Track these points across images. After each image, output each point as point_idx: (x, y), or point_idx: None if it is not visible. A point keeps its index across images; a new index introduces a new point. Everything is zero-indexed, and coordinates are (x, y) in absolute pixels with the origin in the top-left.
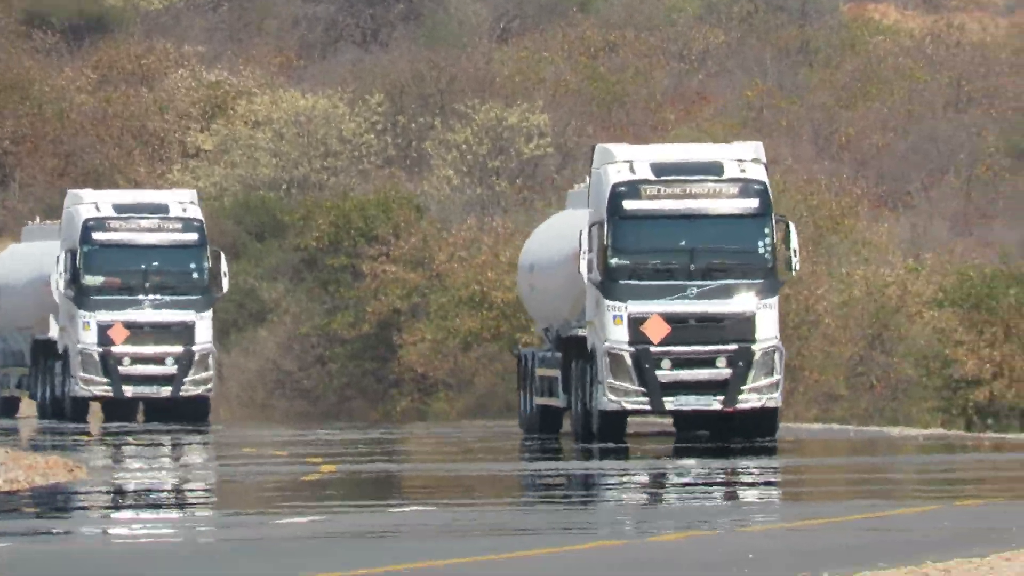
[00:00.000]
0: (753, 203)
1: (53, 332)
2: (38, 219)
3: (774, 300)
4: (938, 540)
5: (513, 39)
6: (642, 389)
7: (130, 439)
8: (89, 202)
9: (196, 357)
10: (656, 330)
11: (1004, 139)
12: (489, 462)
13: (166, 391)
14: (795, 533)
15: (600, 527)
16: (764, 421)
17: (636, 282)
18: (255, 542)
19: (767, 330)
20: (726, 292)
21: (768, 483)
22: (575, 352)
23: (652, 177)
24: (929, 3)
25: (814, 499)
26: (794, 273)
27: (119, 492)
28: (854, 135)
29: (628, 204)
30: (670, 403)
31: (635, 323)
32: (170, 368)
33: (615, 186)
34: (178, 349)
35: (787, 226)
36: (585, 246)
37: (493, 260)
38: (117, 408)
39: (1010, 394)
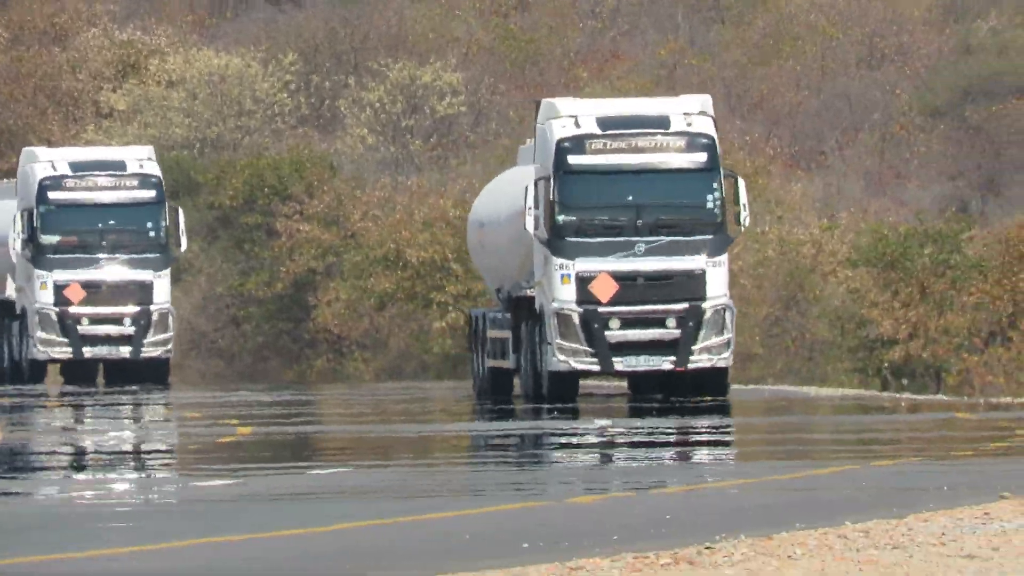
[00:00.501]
0: (701, 157)
1: (11, 292)
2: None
3: (724, 257)
4: (856, 501)
5: None
6: (591, 349)
7: (49, 400)
8: (45, 160)
9: (155, 317)
10: (604, 289)
11: (917, 97)
12: (413, 423)
13: (126, 352)
14: (714, 494)
15: (517, 488)
16: (715, 381)
17: (583, 239)
18: (170, 504)
19: (717, 288)
20: (675, 249)
21: (687, 444)
22: (524, 313)
23: (598, 131)
24: None
25: (733, 460)
26: (743, 228)
27: (35, 454)
28: (767, 93)
29: (573, 159)
30: (619, 363)
31: (583, 282)
32: (128, 328)
33: (560, 141)
34: (136, 309)
35: (736, 181)
36: (531, 202)
37: (407, 219)
38: (77, 370)
39: (925, 354)
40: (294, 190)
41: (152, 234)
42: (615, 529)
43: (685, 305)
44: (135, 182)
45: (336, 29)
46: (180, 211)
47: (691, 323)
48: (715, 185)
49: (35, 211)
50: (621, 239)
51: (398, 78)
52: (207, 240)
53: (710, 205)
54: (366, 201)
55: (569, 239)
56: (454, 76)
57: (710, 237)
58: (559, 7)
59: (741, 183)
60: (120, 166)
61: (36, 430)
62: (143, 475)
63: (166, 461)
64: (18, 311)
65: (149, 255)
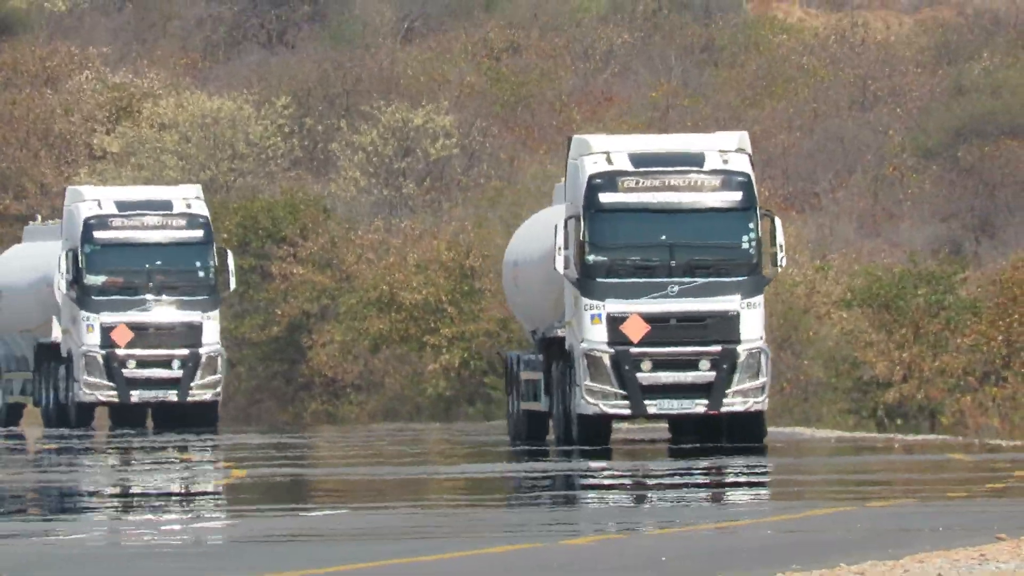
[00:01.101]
0: (736, 196)
1: (56, 335)
2: (39, 218)
3: (759, 299)
4: (852, 542)
5: (417, 40)
6: (622, 392)
7: (51, 443)
8: (90, 199)
9: (203, 359)
10: (636, 330)
11: (910, 138)
12: (426, 465)
13: (173, 395)
14: (710, 534)
15: (515, 530)
16: (751, 425)
17: (614, 280)
18: (164, 546)
19: (752, 330)
20: (709, 290)
21: (682, 486)
22: (556, 354)
23: (630, 168)
24: (833, 1)
25: (729, 501)
26: (779, 269)
27: (31, 493)
28: (759, 135)
29: (605, 197)
30: (652, 406)
31: (614, 322)
32: (176, 371)
33: (591, 178)
34: (184, 351)
35: (772, 220)
36: (561, 242)
37: (401, 261)
38: (125, 414)
39: (920, 395)
40: (288, 233)
41: (201, 274)
42: (611, 570)
43: (719, 347)
44: (182, 222)
45: (328, 72)
46: (228, 252)
47: (725, 366)
48: (751, 225)
49: (80, 251)
50: (654, 280)
51: (390, 121)
52: None
53: (745, 245)
54: (360, 244)
55: (600, 279)
56: (446, 119)
57: (745, 278)
58: (551, 49)
59: (778, 223)
60: (167, 205)
61: (30, 471)
62: (137, 518)
63: (160, 504)
64: (64, 354)
65: (198, 296)
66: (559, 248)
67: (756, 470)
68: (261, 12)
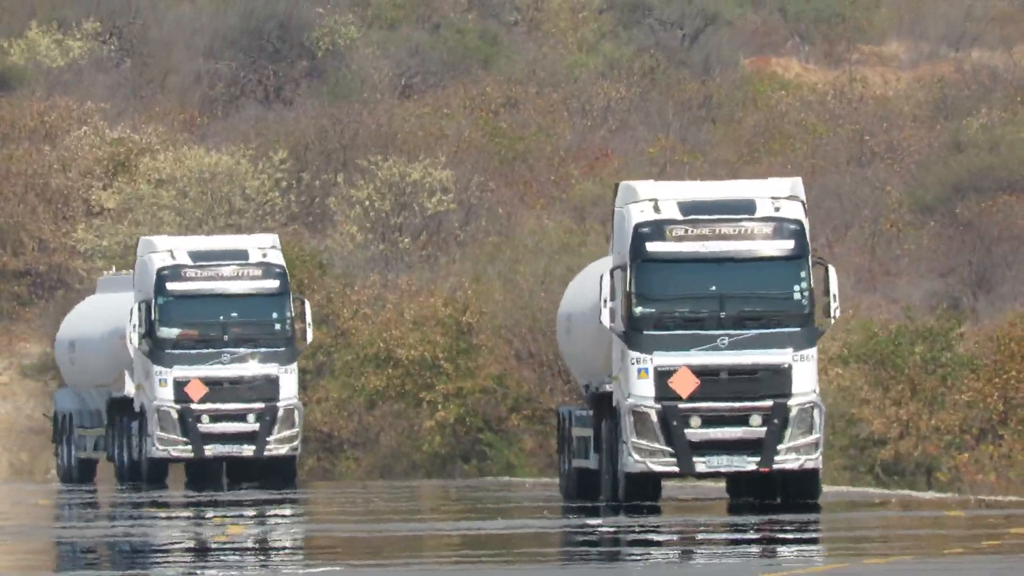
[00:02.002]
0: (788, 244)
1: (129, 390)
2: (113, 268)
3: (812, 351)
4: None
5: (415, 95)
6: (669, 449)
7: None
8: (163, 249)
9: (280, 413)
10: (684, 384)
11: (908, 194)
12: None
13: (249, 450)
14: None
15: None
16: (804, 483)
17: (662, 332)
18: None
19: (805, 384)
20: (760, 342)
21: (674, 543)
22: (606, 409)
23: (679, 216)
24: (831, 57)
25: (725, 557)
26: (833, 320)
27: (91, 548)
28: None
29: (652, 246)
30: (701, 464)
31: (661, 377)
32: (252, 425)
33: (638, 226)
34: (261, 405)
35: (826, 269)
36: (607, 293)
37: (397, 317)
38: (201, 470)
39: (916, 452)
40: None
41: (277, 326)
42: None
43: (770, 402)
44: (258, 272)
45: (326, 127)
46: (306, 302)
47: (777, 421)
48: (803, 274)
49: (153, 303)
50: (703, 332)
51: (387, 176)
52: None
53: (798, 296)
54: (356, 299)
55: (647, 332)
56: (444, 173)
57: (797, 330)
58: (549, 105)
59: (832, 272)
60: (242, 255)
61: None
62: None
63: (158, 560)
64: (137, 409)
65: (275, 348)
66: (604, 300)
67: (748, 526)
68: (259, 68)
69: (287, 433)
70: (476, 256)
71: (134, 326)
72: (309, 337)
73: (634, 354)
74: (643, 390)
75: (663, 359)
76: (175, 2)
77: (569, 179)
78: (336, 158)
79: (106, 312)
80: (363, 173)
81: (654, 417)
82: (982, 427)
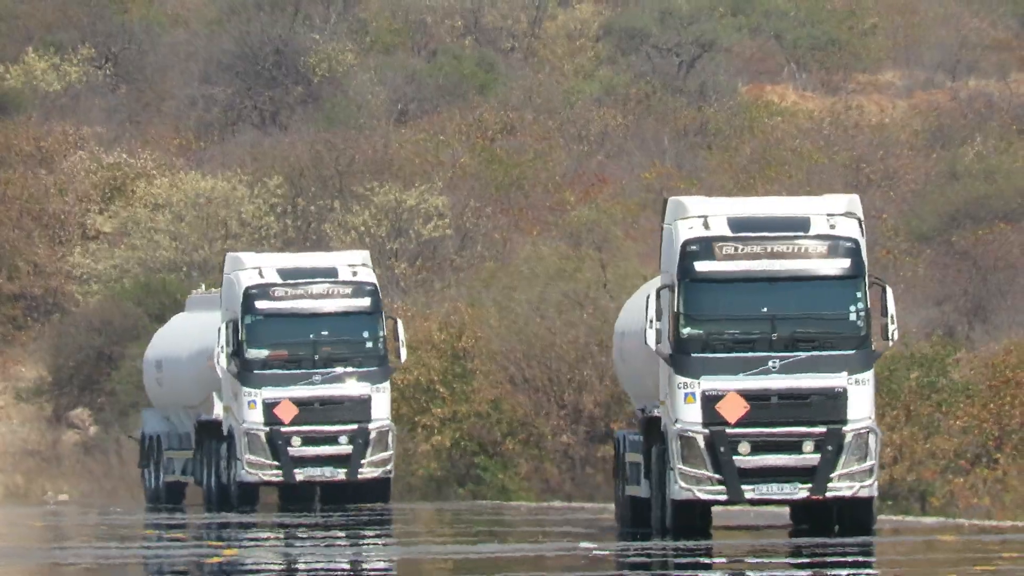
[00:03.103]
0: (844, 263)
1: (218, 412)
2: (203, 287)
3: (869, 374)
4: None
5: (411, 121)
6: (718, 476)
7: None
8: (251, 267)
9: (373, 435)
10: (733, 409)
11: (904, 222)
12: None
13: (341, 474)
14: None
15: None
16: (858, 512)
17: (710, 355)
18: None
19: (860, 409)
20: (813, 365)
21: (654, 567)
22: (655, 435)
23: (729, 234)
24: (827, 85)
25: None
26: (891, 343)
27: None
28: None
29: (701, 265)
30: (750, 492)
31: (709, 401)
32: (345, 448)
33: (686, 244)
34: (353, 427)
35: (884, 289)
36: (653, 314)
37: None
38: (294, 493)
39: (910, 477)
40: None
41: (369, 345)
42: None
43: (824, 428)
44: (349, 290)
45: (322, 153)
46: (399, 321)
47: (830, 447)
48: (859, 295)
49: (240, 322)
50: (753, 354)
51: (383, 201)
52: None
53: (853, 317)
54: None
55: (694, 354)
56: (439, 199)
57: (853, 352)
58: (545, 131)
59: (889, 292)
60: (332, 273)
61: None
62: None
63: None
64: (225, 431)
65: (367, 368)
66: (650, 321)
67: (739, 551)
68: (255, 93)
69: (381, 455)
70: (471, 281)
71: (222, 346)
72: (403, 356)
73: (681, 378)
74: (690, 415)
75: (711, 383)
76: (170, 27)
77: (565, 205)
78: (332, 184)
79: (194, 331)
80: (359, 199)
81: (701, 443)
82: (977, 452)
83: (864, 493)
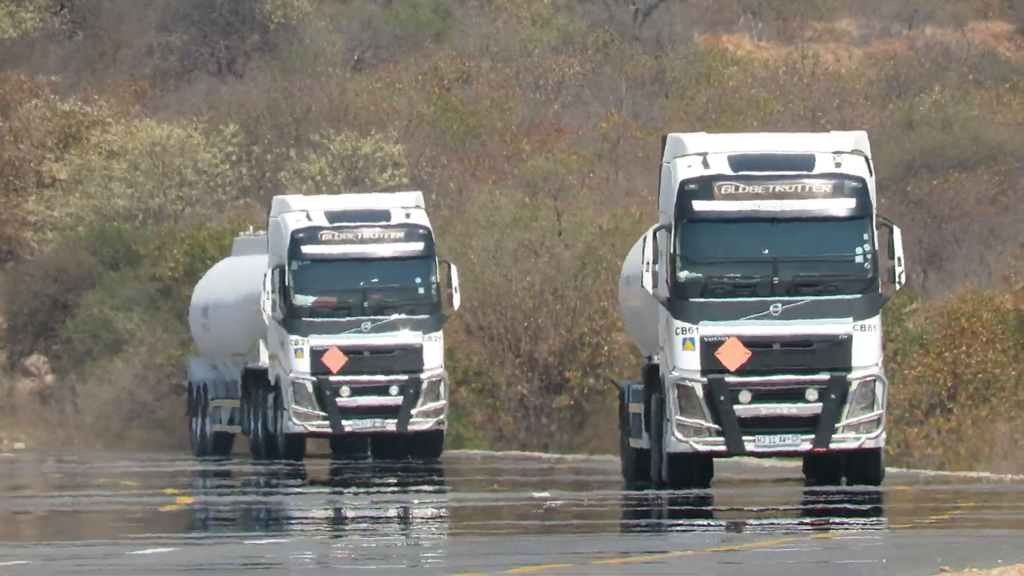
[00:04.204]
0: (850, 203)
1: (264, 360)
2: (251, 229)
3: (875, 320)
4: (795, 574)
5: (367, 70)
6: (716, 426)
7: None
8: (298, 210)
9: (425, 385)
10: (733, 356)
11: None
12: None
13: (391, 425)
14: (655, 567)
15: (461, 558)
16: (865, 464)
17: (709, 299)
18: (110, 574)
19: (866, 356)
20: (817, 310)
21: (609, 515)
22: (655, 383)
23: (729, 172)
24: (783, 34)
25: (664, 530)
26: (898, 286)
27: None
28: None
29: (700, 205)
30: (750, 443)
31: (709, 348)
32: (395, 398)
33: (684, 183)
34: (404, 377)
35: (891, 231)
36: (650, 256)
37: None
38: (345, 443)
39: None
40: None
41: (421, 291)
42: None
43: (828, 376)
44: (401, 234)
45: (278, 101)
46: (452, 266)
47: (834, 396)
48: (866, 236)
49: (287, 268)
50: (754, 299)
51: (339, 150)
52: (148, 311)
53: (860, 259)
54: None
55: (693, 299)
56: (395, 148)
57: (859, 297)
58: (501, 80)
59: (897, 233)
60: (384, 216)
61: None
62: (79, 543)
63: (101, 529)
64: (272, 381)
65: (418, 315)
66: (647, 264)
67: (688, 500)
68: (211, 41)
69: (432, 406)
70: None
71: (267, 293)
72: (456, 303)
73: (678, 323)
74: (688, 362)
75: (710, 329)
76: None
77: (521, 154)
78: (288, 132)
79: (240, 276)
80: (315, 147)
81: (700, 392)
82: (931, 402)
83: (870, 444)
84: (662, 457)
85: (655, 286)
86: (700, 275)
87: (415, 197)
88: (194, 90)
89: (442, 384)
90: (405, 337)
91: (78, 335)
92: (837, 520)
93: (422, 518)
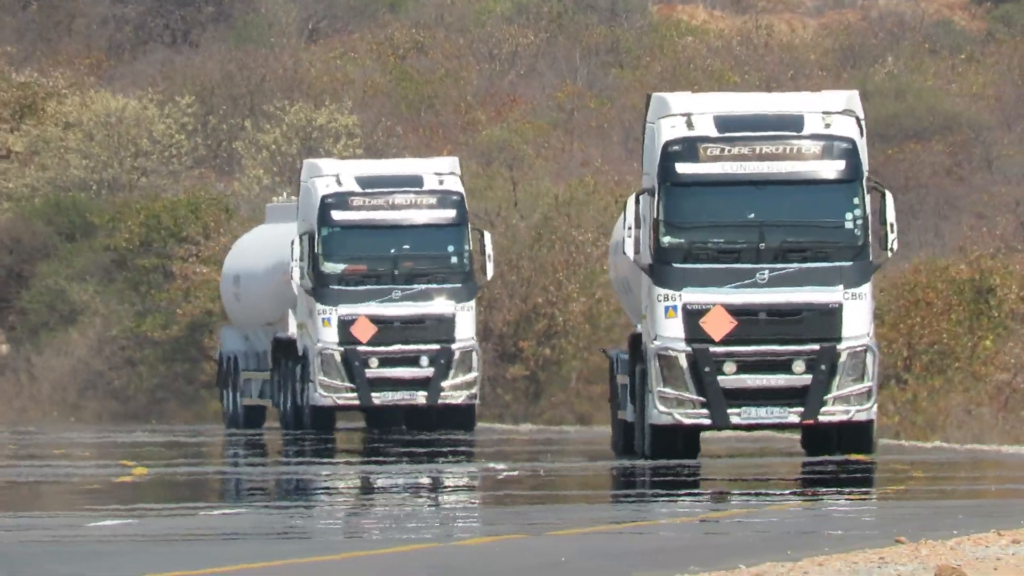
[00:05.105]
0: (840, 165)
1: (293, 330)
2: (285, 194)
3: (866, 288)
4: (750, 543)
5: (322, 40)
6: (700, 398)
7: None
8: (328, 174)
9: (457, 356)
10: (718, 325)
11: None
12: (324, 465)
13: (421, 397)
14: (607, 536)
15: (414, 531)
16: (856, 437)
17: (693, 265)
18: (66, 544)
19: (857, 326)
20: (805, 278)
21: (585, 487)
22: (640, 354)
23: (714, 133)
24: (738, 4)
25: (624, 502)
26: (891, 253)
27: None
28: None
29: (683, 167)
30: (735, 416)
31: (692, 316)
32: (426, 370)
33: (668, 144)
34: (435, 347)
35: (883, 195)
36: (632, 220)
37: None
38: (379, 416)
39: None
40: (190, 232)
41: (454, 260)
42: (509, 571)
43: (816, 346)
44: (433, 200)
45: (233, 71)
46: (486, 234)
47: (824, 367)
48: (856, 200)
49: (316, 234)
50: (740, 266)
51: (294, 120)
52: (103, 282)
53: (850, 224)
54: None
55: (676, 265)
56: (350, 118)
57: (849, 264)
58: (456, 50)
59: (889, 198)
60: (417, 181)
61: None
62: (35, 514)
63: (59, 500)
64: (300, 351)
65: (451, 284)
66: (629, 228)
67: (644, 471)
68: (166, 12)
69: (464, 379)
70: None
71: (295, 260)
72: (490, 272)
73: (661, 291)
74: (671, 331)
75: (694, 296)
76: None
77: (476, 124)
78: (243, 103)
79: (272, 243)
80: (270, 118)
81: (683, 362)
82: (886, 373)
83: (861, 417)
84: (645, 430)
85: (637, 252)
86: (683, 241)
87: (450, 163)
88: (149, 60)
89: (475, 355)
90: (437, 307)
91: (33, 306)
92: (795, 492)
93: (380, 489)
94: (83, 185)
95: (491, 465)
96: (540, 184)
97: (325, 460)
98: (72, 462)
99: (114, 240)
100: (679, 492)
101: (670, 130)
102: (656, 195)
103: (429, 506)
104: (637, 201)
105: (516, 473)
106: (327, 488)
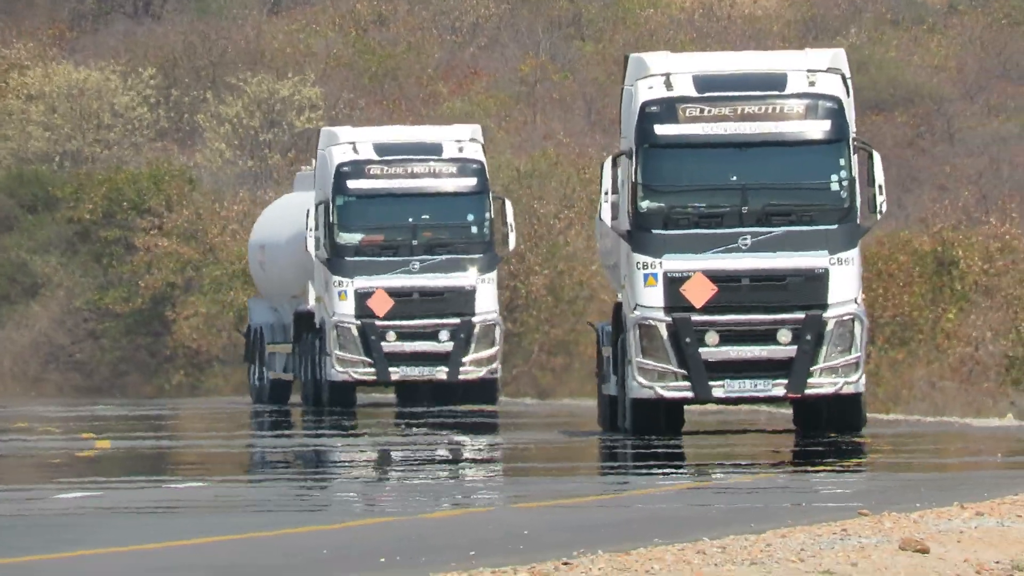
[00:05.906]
0: (825, 125)
1: (312, 303)
2: (313, 163)
3: (853, 253)
4: (714, 517)
5: (284, 11)
6: (681, 371)
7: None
8: (345, 142)
9: (477, 330)
10: (700, 292)
11: None
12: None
13: (441, 373)
14: (571, 509)
15: (376, 504)
16: (845, 410)
17: (673, 231)
18: (28, 518)
19: (844, 292)
20: (789, 243)
21: (545, 459)
22: (620, 323)
23: (694, 93)
24: None
25: (589, 475)
26: (879, 216)
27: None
28: None
29: (662, 129)
30: (718, 388)
31: (673, 284)
32: (445, 344)
33: (645, 105)
34: (455, 320)
35: (870, 155)
36: (608, 184)
37: None
38: (407, 390)
39: None
40: (153, 204)
41: (474, 230)
42: (473, 544)
43: (802, 314)
44: (453, 168)
45: (194, 43)
46: (508, 203)
47: (810, 337)
48: (842, 161)
49: (332, 204)
50: (721, 230)
51: (256, 92)
52: (65, 254)
53: (836, 186)
54: (225, 216)
55: (655, 231)
56: (312, 91)
57: (835, 227)
58: (418, 22)
59: (877, 158)
60: (436, 149)
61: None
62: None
63: (25, 474)
64: (317, 324)
65: (471, 255)
66: (605, 193)
67: (615, 444)
68: None
69: (485, 353)
70: None
71: (311, 230)
72: (512, 243)
73: (640, 257)
74: (651, 299)
75: (674, 263)
76: None
77: (438, 97)
78: (205, 75)
79: (296, 212)
80: (232, 90)
81: (664, 332)
82: None
83: (849, 390)
84: (626, 404)
85: (614, 218)
86: (663, 205)
87: (471, 130)
88: (112, 32)
89: (496, 329)
90: (457, 278)
91: None
92: (759, 465)
93: (344, 463)
94: (46, 157)
95: (455, 437)
96: (502, 157)
97: (293, 432)
98: (33, 436)
99: (76, 212)
100: (650, 465)
101: (648, 91)
102: (634, 158)
103: (397, 480)
104: (615, 164)
105: (471, 445)
106: (289, 461)
